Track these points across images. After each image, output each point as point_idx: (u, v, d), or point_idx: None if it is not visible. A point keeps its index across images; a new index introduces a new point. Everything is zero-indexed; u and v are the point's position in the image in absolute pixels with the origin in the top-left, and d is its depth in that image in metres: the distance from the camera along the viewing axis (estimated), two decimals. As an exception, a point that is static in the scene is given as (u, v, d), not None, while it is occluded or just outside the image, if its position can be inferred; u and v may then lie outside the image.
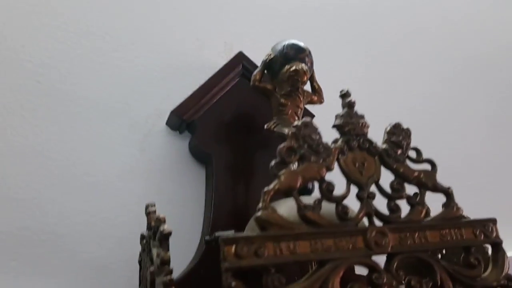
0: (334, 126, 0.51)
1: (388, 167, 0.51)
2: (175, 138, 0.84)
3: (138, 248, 0.71)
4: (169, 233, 0.46)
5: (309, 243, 0.43)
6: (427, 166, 0.53)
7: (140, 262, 0.61)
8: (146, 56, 0.88)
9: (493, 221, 0.52)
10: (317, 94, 0.75)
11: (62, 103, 0.78)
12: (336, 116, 0.51)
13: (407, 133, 0.53)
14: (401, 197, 0.50)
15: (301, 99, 0.72)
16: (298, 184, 0.46)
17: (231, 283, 0.39)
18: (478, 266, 0.50)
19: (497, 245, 0.52)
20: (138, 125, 0.82)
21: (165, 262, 0.45)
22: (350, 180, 0.49)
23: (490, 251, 0.53)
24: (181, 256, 0.71)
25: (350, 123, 0.50)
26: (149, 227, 0.55)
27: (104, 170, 0.77)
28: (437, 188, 0.52)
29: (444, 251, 0.57)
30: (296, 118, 0.71)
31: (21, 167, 0.72)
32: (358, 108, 0.52)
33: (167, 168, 0.82)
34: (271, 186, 0.45)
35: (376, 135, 0.53)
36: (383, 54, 1.15)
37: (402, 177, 0.51)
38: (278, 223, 0.43)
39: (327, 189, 0.47)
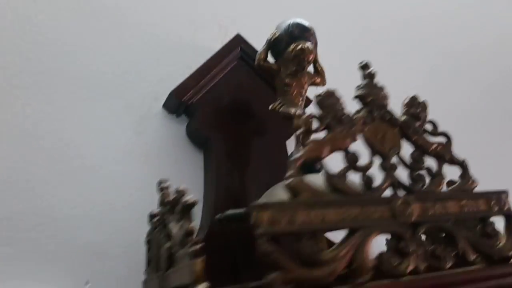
0: (356, 96, 0.50)
1: (408, 138, 0.51)
2: (171, 121, 0.82)
3: (139, 233, 0.69)
4: (194, 203, 0.44)
5: (337, 211, 0.43)
6: (441, 140, 0.54)
7: (148, 242, 0.59)
8: (140, 37, 0.85)
9: (506, 193, 0.53)
10: (320, 76, 0.75)
11: (53, 81, 0.74)
12: (357, 87, 0.51)
13: (424, 106, 0.53)
14: (421, 168, 0.50)
15: (306, 79, 0.71)
16: (325, 154, 0.45)
17: (267, 248, 0.38)
18: (495, 237, 0.51)
19: (510, 217, 0.53)
20: (134, 107, 0.79)
21: (190, 232, 0.43)
22: (373, 151, 0.48)
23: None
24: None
25: (372, 94, 0.50)
26: (162, 203, 0.53)
27: (100, 152, 0.73)
28: (453, 160, 0.53)
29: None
30: (301, 99, 0.71)
31: (11, 148, 0.67)
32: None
33: (164, 151, 0.79)
34: (299, 154, 0.44)
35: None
36: (381, 34, 1.16)
37: (421, 149, 0.51)
38: (308, 190, 0.42)
39: (352, 159, 0.46)
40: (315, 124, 0.47)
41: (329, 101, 0.47)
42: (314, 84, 0.74)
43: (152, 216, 0.58)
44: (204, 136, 0.78)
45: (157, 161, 0.78)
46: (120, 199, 0.72)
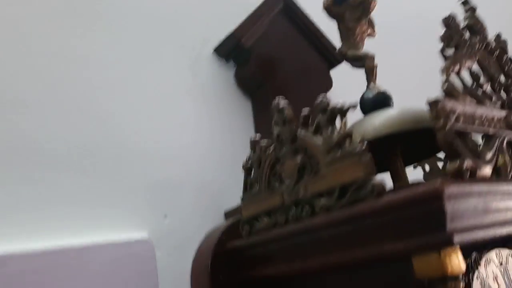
0: (465, 26, 0.55)
1: (501, 67, 0.57)
2: (222, 66, 0.81)
3: (208, 171, 0.69)
4: (350, 107, 0.46)
5: (482, 115, 0.47)
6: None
7: (250, 167, 0.58)
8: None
9: None
10: (371, 27, 0.79)
11: (112, 15, 0.69)
12: (464, 18, 0.56)
13: (505, 43, 0.60)
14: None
15: (366, 26, 0.75)
16: (461, 68, 0.50)
17: (450, 138, 0.41)
18: None
19: None
20: (186, 49, 0.77)
21: (349, 134, 0.45)
22: (486, 72, 0.54)
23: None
24: (233, 185, 0.69)
25: (477, 24, 0.56)
26: (285, 121, 0.53)
27: (160, 88, 0.71)
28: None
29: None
30: (362, 43, 0.74)
31: (77, 73, 0.62)
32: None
33: (218, 95, 0.78)
34: (447, 63, 0.48)
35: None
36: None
37: (510, 77, 0.58)
38: (461, 92, 0.47)
39: (476, 77, 0.51)
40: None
41: (454, 24, 0.52)
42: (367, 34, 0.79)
43: (255, 142, 0.58)
44: (259, 81, 0.79)
45: (213, 103, 0.76)
46: (185, 137, 0.70)
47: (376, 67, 0.71)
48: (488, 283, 0.47)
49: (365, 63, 0.71)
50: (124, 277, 0.51)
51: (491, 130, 0.48)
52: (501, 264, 0.51)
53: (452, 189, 0.37)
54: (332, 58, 0.91)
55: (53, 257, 0.47)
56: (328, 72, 0.89)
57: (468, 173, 0.41)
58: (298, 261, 0.50)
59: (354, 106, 0.46)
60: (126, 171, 0.61)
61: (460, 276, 0.40)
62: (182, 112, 0.71)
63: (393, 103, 0.78)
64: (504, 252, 0.52)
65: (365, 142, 0.44)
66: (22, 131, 0.55)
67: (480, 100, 0.49)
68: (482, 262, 0.48)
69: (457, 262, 0.39)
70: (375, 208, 0.41)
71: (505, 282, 0.49)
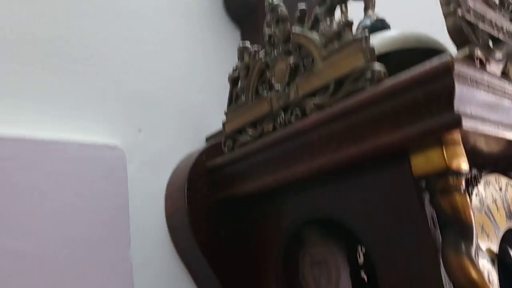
0: None
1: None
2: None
3: (188, 92, 0.64)
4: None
5: (489, 19, 0.44)
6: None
7: (237, 77, 0.53)
8: None
9: None
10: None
11: None
12: None
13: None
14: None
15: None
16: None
17: (459, 24, 0.37)
18: None
19: None
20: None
21: (349, 23, 0.41)
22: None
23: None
24: (217, 112, 0.65)
25: None
26: (279, 20, 0.48)
27: None
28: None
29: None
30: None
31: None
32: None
33: (205, 18, 0.73)
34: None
35: None
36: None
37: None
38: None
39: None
40: None
41: None
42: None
43: (243, 49, 0.53)
44: (249, 7, 0.74)
45: (198, 26, 0.71)
46: (165, 51, 0.65)
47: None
48: (487, 204, 0.44)
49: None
50: (91, 179, 0.46)
51: (501, 36, 0.44)
52: (500, 189, 0.48)
53: (462, 68, 0.34)
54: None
55: (14, 145, 0.42)
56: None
57: (478, 63, 0.38)
58: (283, 170, 0.45)
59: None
60: (97, 75, 0.55)
61: (462, 172, 0.36)
62: (163, 27, 0.65)
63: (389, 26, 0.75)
64: (504, 179, 0.49)
65: (367, 29, 0.40)
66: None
67: (490, 5, 0.45)
68: (482, 182, 0.44)
69: (460, 155, 0.36)
70: (375, 95, 0.37)
71: (504, 208, 0.46)
